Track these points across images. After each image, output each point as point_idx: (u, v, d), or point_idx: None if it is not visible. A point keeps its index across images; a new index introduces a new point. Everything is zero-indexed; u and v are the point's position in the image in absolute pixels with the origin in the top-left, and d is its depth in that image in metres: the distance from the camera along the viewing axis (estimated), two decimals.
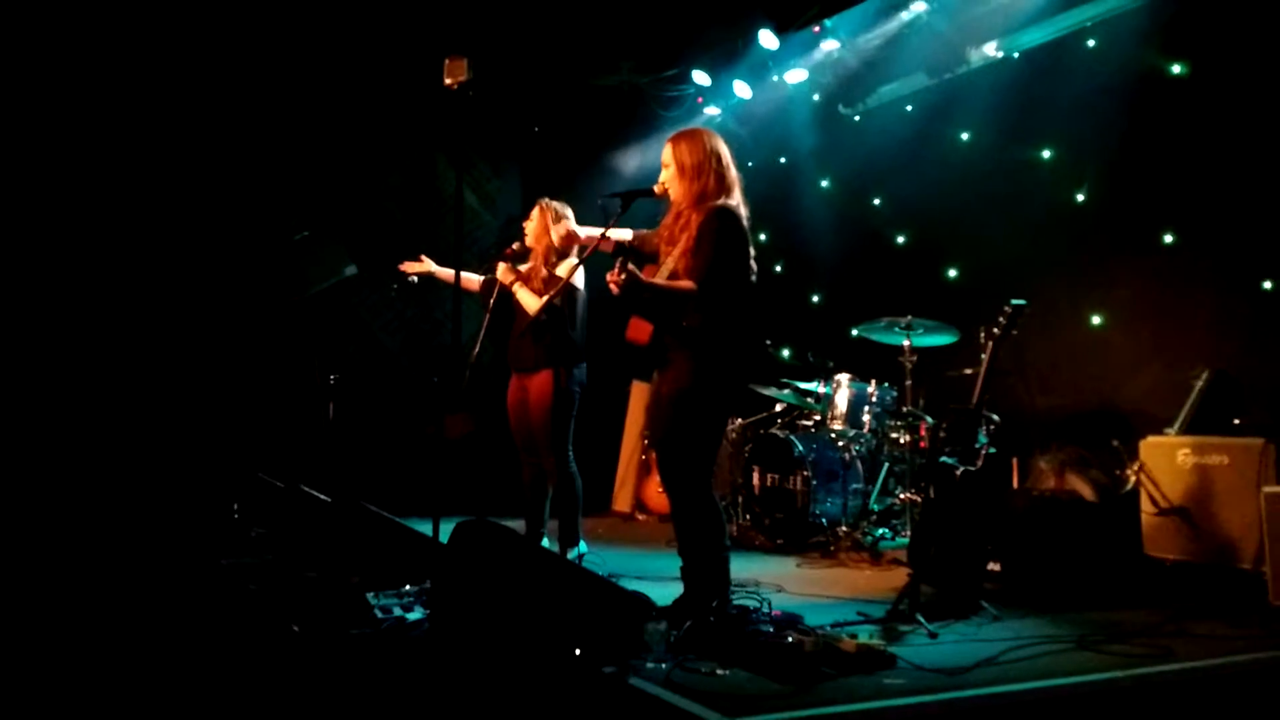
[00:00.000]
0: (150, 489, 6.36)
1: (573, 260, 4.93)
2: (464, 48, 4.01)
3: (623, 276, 3.49)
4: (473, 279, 5.17)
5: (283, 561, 4.91)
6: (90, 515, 5.89)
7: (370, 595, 3.87)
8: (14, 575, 4.68)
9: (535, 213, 5.08)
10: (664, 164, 3.87)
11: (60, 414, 6.42)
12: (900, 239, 7.19)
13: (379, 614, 3.74)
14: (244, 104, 7.18)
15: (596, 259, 4.19)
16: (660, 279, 3.71)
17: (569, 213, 5.08)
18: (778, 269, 7.91)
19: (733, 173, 3.86)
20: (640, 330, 3.77)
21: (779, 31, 7.13)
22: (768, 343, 7.37)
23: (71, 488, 6.13)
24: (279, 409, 6.95)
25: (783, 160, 8.06)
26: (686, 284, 3.64)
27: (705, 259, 3.65)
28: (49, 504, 5.92)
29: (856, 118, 7.70)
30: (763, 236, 7.58)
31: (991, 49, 6.62)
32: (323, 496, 5.22)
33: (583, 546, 4.98)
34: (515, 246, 5.02)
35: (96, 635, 3.74)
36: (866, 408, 6.13)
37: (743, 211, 3.81)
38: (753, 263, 3.83)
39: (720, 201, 3.75)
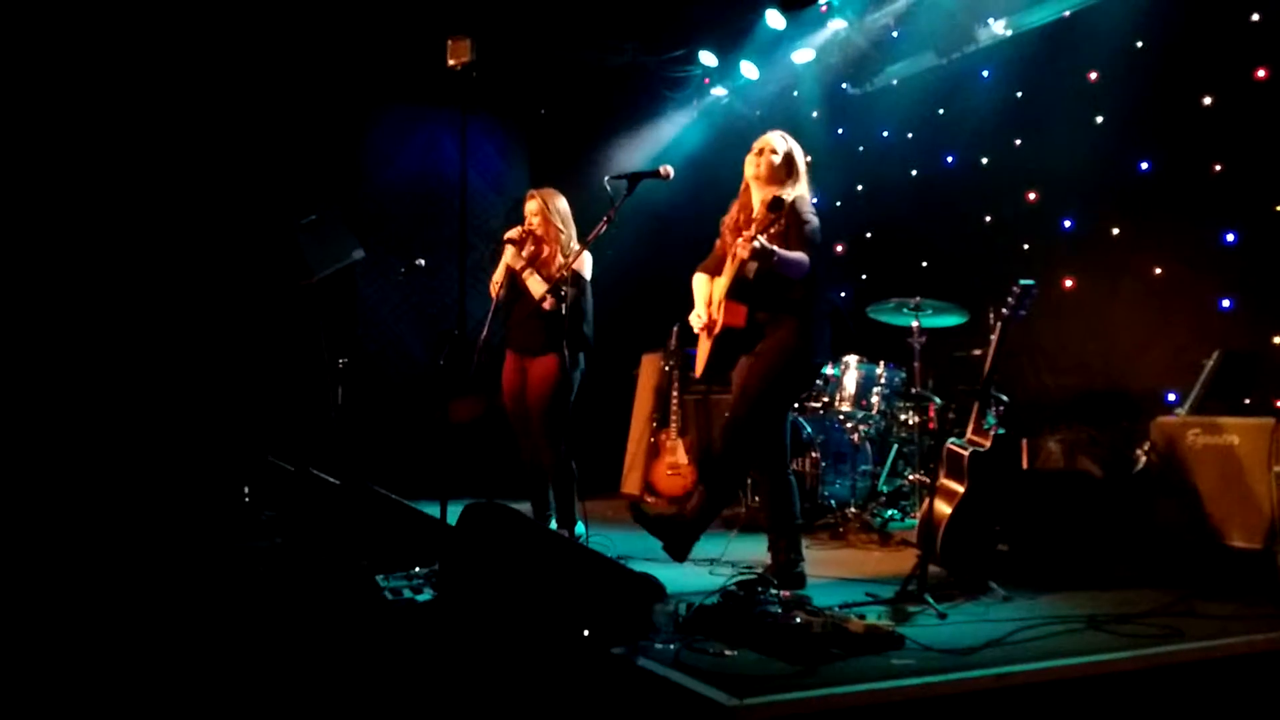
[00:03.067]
0: (162, 473, 6.39)
1: (577, 246, 4.92)
2: (468, 28, 3.99)
3: (757, 243, 3.72)
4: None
5: (293, 544, 4.93)
6: (101, 501, 5.92)
7: (380, 577, 3.89)
8: (28, 560, 4.71)
9: (535, 204, 5.04)
10: (771, 150, 4.13)
11: (71, 400, 6.44)
12: (909, 219, 7.16)
13: (389, 596, 3.76)
14: (250, 88, 7.17)
15: (604, 244, 4.20)
16: (731, 278, 4.00)
17: (562, 201, 5.08)
18: None
19: (807, 181, 4.23)
20: (736, 314, 4.00)
21: (786, 11, 7.08)
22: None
23: (82, 474, 6.15)
24: (288, 393, 6.96)
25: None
26: (801, 255, 3.91)
27: (806, 238, 3.96)
28: (60, 490, 5.95)
29: (865, 98, 7.65)
30: None
31: (1000, 27, 6.56)
32: (332, 480, 5.24)
33: (580, 529, 4.97)
34: (519, 231, 5.00)
35: (109, 617, 3.76)
36: (875, 389, 6.11)
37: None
38: None
39: (799, 194, 4.09)
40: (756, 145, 4.19)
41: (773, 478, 4.18)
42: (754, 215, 4.10)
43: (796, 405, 6.38)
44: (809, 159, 4.31)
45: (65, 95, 6.60)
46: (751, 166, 4.17)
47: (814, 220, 4.05)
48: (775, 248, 3.82)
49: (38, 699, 2.93)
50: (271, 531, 5.32)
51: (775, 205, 3.90)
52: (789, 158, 4.17)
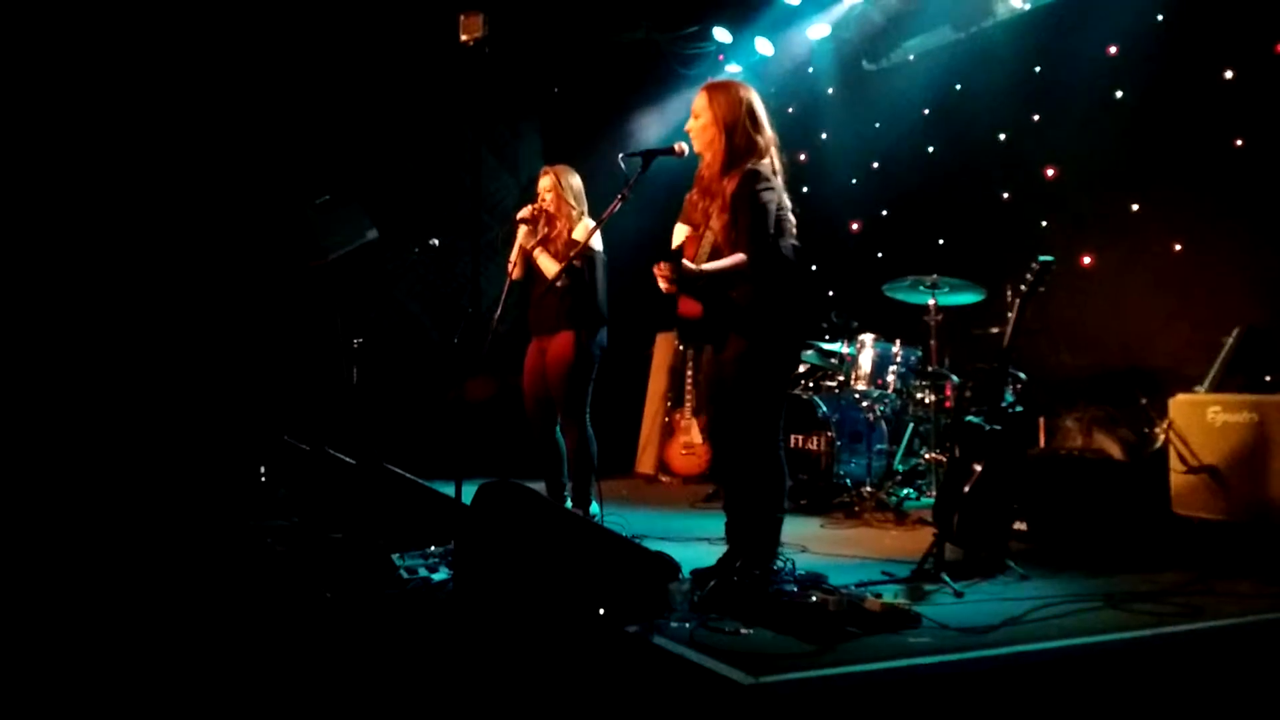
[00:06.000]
0: (178, 453, 6.42)
1: (589, 223, 4.90)
2: (481, 4, 3.96)
3: (675, 275, 3.45)
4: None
5: (309, 523, 4.95)
6: (117, 481, 5.95)
7: (396, 556, 3.90)
8: (43, 540, 4.74)
9: (548, 180, 5.02)
10: (695, 114, 3.75)
11: (86, 381, 6.47)
12: (926, 196, 7.10)
13: (404, 575, 3.77)
14: (263, 67, 7.15)
15: (619, 222, 4.17)
16: (704, 259, 3.62)
17: (576, 179, 5.06)
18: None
19: (768, 131, 3.74)
20: (690, 306, 3.71)
21: None
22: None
23: (97, 454, 6.19)
24: (303, 373, 6.98)
25: (806, 118, 7.96)
26: (736, 258, 3.56)
27: (747, 229, 3.55)
28: (74, 471, 5.98)
29: (881, 73, 7.58)
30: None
31: (1018, 1, 6.49)
32: (347, 459, 5.25)
33: (595, 509, 4.96)
34: (531, 209, 4.98)
35: (122, 597, 3.79)
36: (891, 368, 6.09)
37: (778, 172, 3.71)
38: (793, 225, 3.73)
39: (750, 165, 3.64)
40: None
41: (758, 464, 3.68)
42: (708, 188, 3.73)
43: (811, 385, 6.38)
44: (775, 105, 3.88)
45: (74, 84, 6.59)
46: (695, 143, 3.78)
47: (768, 196, 3.58)
48: (703, 269, 3.55)
49: (58, 674, 2.96)
50: (287, 510, 5.34)
51: (675, 255, 3.52)
52: (717, 121, 3.66)
